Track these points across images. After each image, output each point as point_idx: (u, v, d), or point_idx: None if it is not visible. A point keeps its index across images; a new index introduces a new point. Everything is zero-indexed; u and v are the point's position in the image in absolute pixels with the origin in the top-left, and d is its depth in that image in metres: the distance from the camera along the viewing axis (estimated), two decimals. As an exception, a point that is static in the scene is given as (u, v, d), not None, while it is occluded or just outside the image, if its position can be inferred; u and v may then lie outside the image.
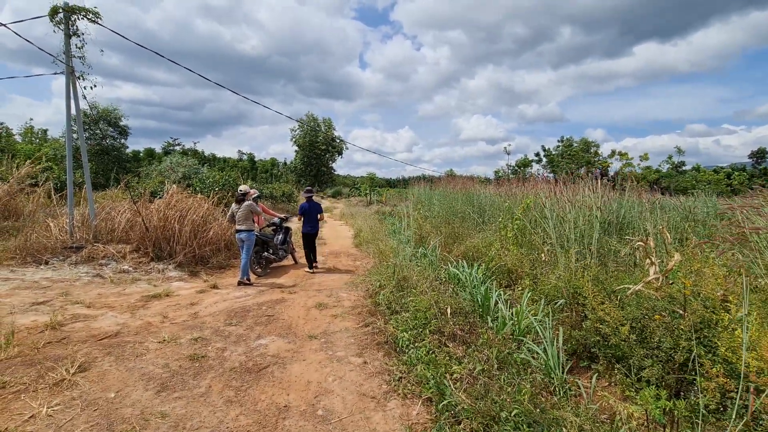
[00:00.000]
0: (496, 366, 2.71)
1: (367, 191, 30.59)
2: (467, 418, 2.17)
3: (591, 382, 2.74)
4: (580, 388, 2.70)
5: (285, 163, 61.26)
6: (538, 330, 3.20)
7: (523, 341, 3.25)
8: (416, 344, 3.25)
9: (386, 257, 6.54)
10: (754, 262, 3.53)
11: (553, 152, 34.23)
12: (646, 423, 2.29)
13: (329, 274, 7.18)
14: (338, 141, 44.02)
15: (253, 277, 6.69)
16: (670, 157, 29.91)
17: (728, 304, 2.55)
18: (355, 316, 4.64)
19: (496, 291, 4.17)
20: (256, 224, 6.70)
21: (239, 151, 74.81)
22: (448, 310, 3.51)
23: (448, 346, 3.05)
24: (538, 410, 2.05)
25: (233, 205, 6.67)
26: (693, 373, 2.45)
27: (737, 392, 2.06)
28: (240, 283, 6.19)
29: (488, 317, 3.72)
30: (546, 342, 3.02)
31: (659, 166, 30.25)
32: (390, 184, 58.20)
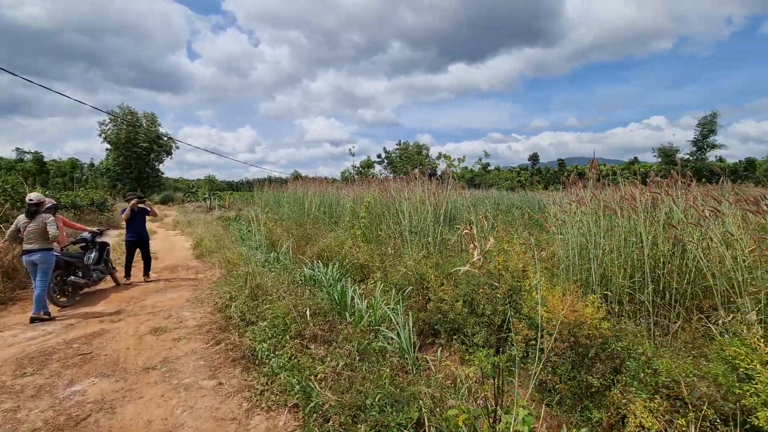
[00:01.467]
0: (357, 358, 2.83)
1: (206, 195, 27.65)
2: (335, 414, 2.21)
3: (437, 355, 3.14)
4: (429, 363, 3.06)
5: (92, 165, 50.07)
6: (392, 317, 3.48)
7: (379, 330, 3.49)
8: (277, 353, 3.11)
9: (235, 266, 6.05)
10: (539, 239, 4.63)
11: (392, 154, 37.61)
12: (480, 379, 2.76)
13: (165, 293, 6.20)
14: (165, 139, 38.36)
15: (54, 309, 5.24)
16: (479, 159, 36.62)
17: (527, 273, 3.28)
18: (203, 335, 4.14)
19: (351, 287, 4.34)
20: (56, 242, 5.24)
21: (18, 149, 57.61)
22: (308, 312, 3.48)
23: (310, 348, 3.03)
24: (398, 390, 2.24)
25: (19, 218, 5.10)
26: (508, 332, 3.07)
27: (537, 339, 2.68)
28: (34, 320, 4.76)
29: (346, 313, 3.85)
30: (399, 327, 3.31)
31: (473, 166, 36.65)
32: (232, 187, 54.03)
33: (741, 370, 1.96)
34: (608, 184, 4.09)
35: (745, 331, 2.32)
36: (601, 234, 3.33)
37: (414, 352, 3.11)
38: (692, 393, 2.12)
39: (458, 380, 2.77)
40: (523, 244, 4.10)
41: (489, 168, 38.38)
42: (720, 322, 2.70)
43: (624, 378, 2.43)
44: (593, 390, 2.48)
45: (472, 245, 4.10)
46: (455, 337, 3.47)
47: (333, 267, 5.06)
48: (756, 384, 1.88)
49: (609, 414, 2.31)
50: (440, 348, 3.34)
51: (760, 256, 2.76)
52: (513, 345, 2.82)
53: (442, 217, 5.26)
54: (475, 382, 2.81)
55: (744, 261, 2.71)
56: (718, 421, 1.99)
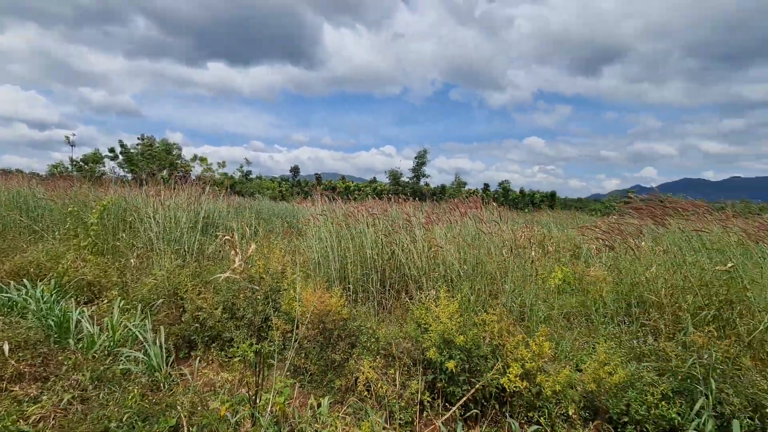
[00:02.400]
0: (91, 387, 2.40)
1: None
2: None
3: (194, 366, 3.03)
4: (186, 375, 2.92)
5: None
6: (138, 335, 3.10)
7: (119, 352, 3.03)
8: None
9: None
10: (297, 245, 5.13)
11: (133, 150, 31.37)
12: (240, 380, 2.88)
13: None
14: None
15: None
16: (241, 167, 35.61)
17: (285, 275, 3.64)
18: None
19: (77, 309, 3.53)
20: None
21: None
22: (6, 347, 2.63)
23: (14, 390, 2.32)
24: (150, 405, 2.08)
25: None
26: (269, 330, 3.31)
27: (293, 331, 3.05)
28: None
29: (70, 340, 3.13)
30: (148, 344, 2.99)
31: (234, 173, 35.25)
32: None
33: (422, 325, 2.92)
34: (355, 198, 5.05)
35: (426, 300, 3.44)
36: (338, 240, 4.10)
37: (167, 367, 2.89)
38: (397, 349, 2.99)
39: (218, 385, 2.79)
40: (283, 249, 4.47)
41: (251, 176, 37.84)
42: (416, 298, 3.88)
43: (357, 350, 3.12)
44: (336, 364, 3.05)
45: (233, 252, 4.14)
46: (214, 344, 3.43)
47: (46, 287, 3.93)
48: (430, 333, 2.87)
49: (347, 380, 2.92)
50: (198, 358, 3.22)
51: (436, 252, 4.15)
52: (272, 341, 3.09)
53: (200, 225, 5.01)
54: (236, 383, 2.90)
55: (425, 255, 4.00)
56: (411, 363, 2.89)
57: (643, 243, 4.52)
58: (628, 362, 2.57)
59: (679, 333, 2.84)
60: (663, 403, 2.22)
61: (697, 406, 2.10)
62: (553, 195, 34.99)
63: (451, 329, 2.73)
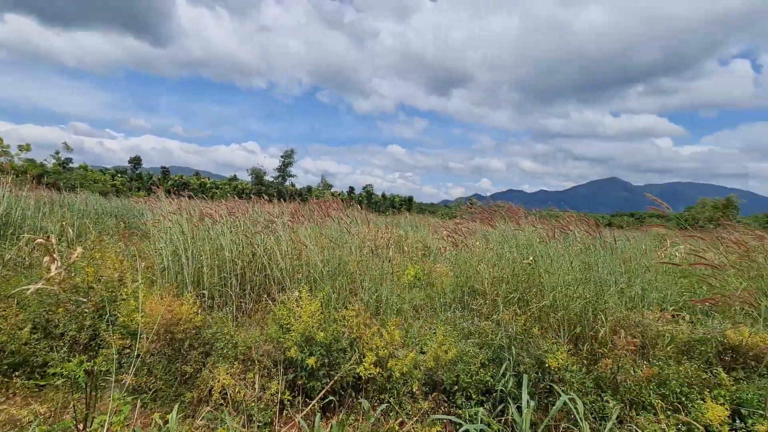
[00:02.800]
0: None
1: None
2: None
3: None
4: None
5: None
6: None
7: None
8: None
9: None
10: (140, 248, 4.49)
11: None
12: (58, 414, 2.40)
13: None
14: None
15: None
16: (57, 153, 28.60)
17: (124, 282, 3.17)
18: None
19: None
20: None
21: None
22: None
23: None
24: None
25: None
26: (100, 348, 2.84)
27: (133, 347, 2.70)
28: None
29: None
30: None
31: (45, 160, 28.08)
32: None
33: (284, 325, 2.95)
34: (212, 197, 4.67)
35: (289, 301, 3.46)
36: (193, 242, 3.80)
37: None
38: (257, 352, 2.94)
39: (25, 421, 2.28)
40: (121, 254, 3.87)
41: (71, 165, 30.82)
42: (279, 299, 3.85)
43: (213, 358, 2.94)
44: (187, 376, 2.82)
45: (48, 257, 3.39)
46: (17, 373, 2.76)
47: None
48: (292, 333, 2.91)
49: (200, 391, 2.73)
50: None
51: (300, 252, 4.20)
52: (107, 359, 2.67)
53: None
54: (55, 413, 2.41)
55: (289, 256, 4.01)
56: (272, 365, 2.88)
57: (477, 242, 5.45)
58: (459, 341, 3.09)
59: (495, 314, 3.56)
60: (481, 370, 2.76)
61: (502, 369, 2.69)
62: (410, 200, 38.57)
63: (313, 327, 2.84)
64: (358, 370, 2.74)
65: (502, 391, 2.64)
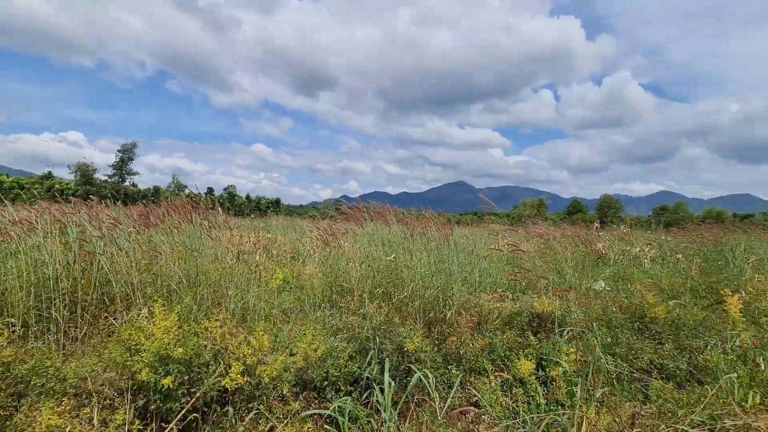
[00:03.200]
0: None
1: None
2: None
3: None
4: None
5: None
6: None
7: None
8: None
9: None
10: None
11: None
12: None
13: None
14: None
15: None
16: None
17: None
18: None
19: None
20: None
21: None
22: None
23: None
24: None
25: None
26: None
27: None
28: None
29: None
30: None
31: None
32: None
33: (132, 347, 2.60)
34: (14, 199, 3.74)
35: (138, 318, 3.05)
36: None
37: None
38: (95, 382, 2.52)
39: None
40: None
41: None
42: (125, 318, 3.33)
43: (30, 399, 2.40)
44: (-10, 427, 2.24)
45: None
46: None
47: None
48: (142, 354, 2.59)
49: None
50: None
51: (151, 261, 3.72)
52: None
53: None
54: None
55: (137, 267, 3.54)
56: (116, 394, 2.51)
57: (346, 242, 5.68)
58: (328, 338, 3.23)
59: (362, 308, 3.81)
60: (349, 362, 2.95)
61: (368, 358, 2.92)
62: (278, 201, 37.32)
63: (169, 343, 2.59)
64: (223, 383, 2.62)
65: (368, 378, 2.87)
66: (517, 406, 2.89)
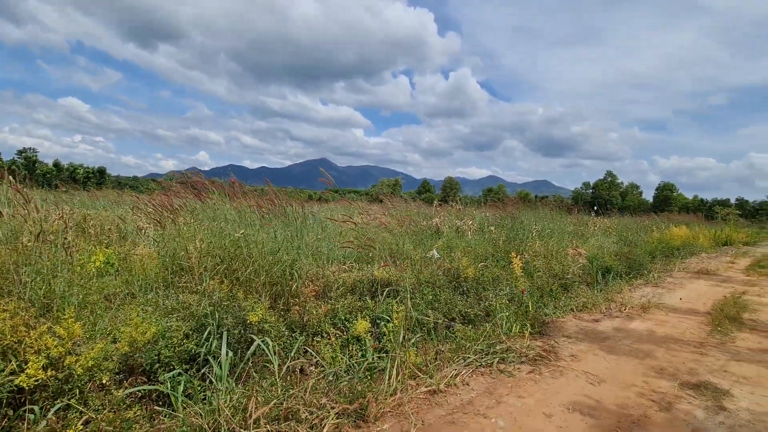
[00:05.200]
0: None
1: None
2: None
3: None
4: None
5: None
6: None
7: None
8: None
9: None
10: None
11: None
12: None
13: None
14: None
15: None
16: None
17: None
18: None
19: None
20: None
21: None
22: None
23: None
24: None
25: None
26: None
27: None
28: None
29: None
30: None
31: None
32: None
33: None
34: None
35: None
36: None
37: None
38: None
39: None
40: None
41: None
42: None
43: None
44: None
45: None
46: None
47: None
48: None
49: None
50: None
51: None
52: None
53: None
54: None
55: None
56: None
57: (181, 219, 5.22)
58: (161, 319, 3.03)
59: (200, 285, 3.67)
60: (185, 340, 2.85)
61: (205, 334, 2.89)
62: (102, 171, 30.96)
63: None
64: (17, 382, 2.24)
65: (207, 353, 2.84)
66: (351, 358, 3.29)
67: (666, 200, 63.66)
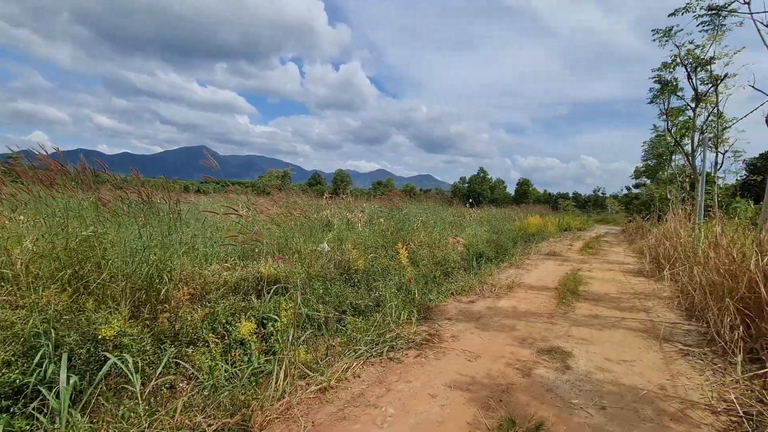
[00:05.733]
0: None
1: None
2: None
3: None
4: None
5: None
6: None
7: None
8: None
9: None
10: None
11: None
12: None
13: None
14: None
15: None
16: None
17: None
18: None
19: None
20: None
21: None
22: None
23: None
24: None
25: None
26: None
27: None
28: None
29: None
30: None
31: None
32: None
33: None
34: None
35: None
36: None
37: None
38: None
39: None
40: None
41: None
42: None
43: None
44: None
45: None
46: None
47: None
48: None
49: None
50: None
51: None
52: None
53: None
54: None
55: None
56: None
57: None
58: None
59: (30, 298, 2.93)
60: (5, 370, 2.23)
61: (37, 357, 2.30)
62: None
63: None
64: None
65: (39, 382, 2.27)
66: (234, 365, 3.01)
67: (524, 194, 74.71)
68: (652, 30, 10.90)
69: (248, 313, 3.75)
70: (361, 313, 4.41)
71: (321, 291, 4.62)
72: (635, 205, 22.86)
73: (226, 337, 3.46)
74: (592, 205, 62.18)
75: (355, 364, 3.07)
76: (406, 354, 3.36)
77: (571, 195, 74.24)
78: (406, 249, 5.81)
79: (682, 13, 9.60)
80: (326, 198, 12.94)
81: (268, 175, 55.46)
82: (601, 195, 65.86)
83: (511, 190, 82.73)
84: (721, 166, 11.37)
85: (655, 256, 8.52)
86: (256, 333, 3.50)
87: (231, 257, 5.63)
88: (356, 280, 5.35)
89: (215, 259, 5.29)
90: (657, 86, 12.55)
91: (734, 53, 9.67)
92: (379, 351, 3.33)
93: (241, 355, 3.26)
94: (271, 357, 3.13)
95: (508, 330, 4.03)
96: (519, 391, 2.73)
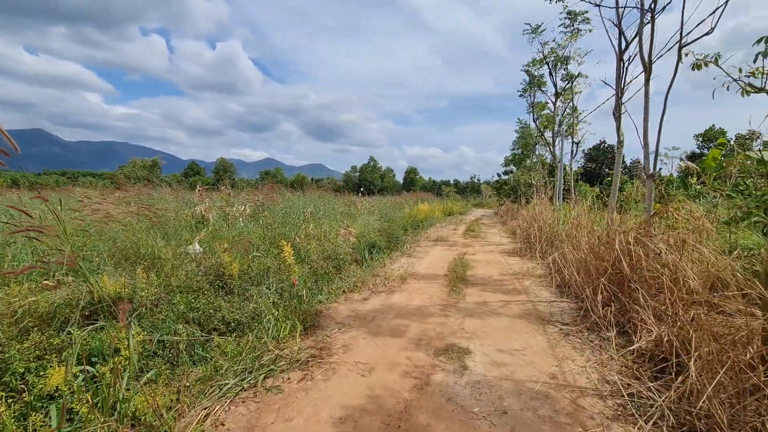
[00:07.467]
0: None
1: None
2: None
3: None
4: None
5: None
6: None
7: None
8: None
9: None
10: None
11: None
12: None
13: None
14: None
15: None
16: None
17: None
18: None
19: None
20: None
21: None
22: None
23: None
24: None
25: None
26: None
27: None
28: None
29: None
30: None
31: None
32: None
33: None
34: None
35: None
36: None
37: None
38: None
39: None
40: None
41: None
42: None
43: None
44: None
45: None
46: None
47: None
48: None
49: None
50: None
51: None
52: None
53: None
54: None
55: None
56: None
57: None
58: None
59: None
60: None
61: None
62: None
63: None
64: None
65: None
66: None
67: (412, 182, 78.86)
68: (525, 23, 12.07)
69: (65, 353, 2.71)
70: (234, 329, 3.64)
71: (183, 307, 3.71)
72: (505, 190, 25.70)
73: (28, 393, 2.42)
74: (469, 190, 68.79)
75: (218, 406, 2.36)
76: (288, 379, 2.76)
77: (452, 182, 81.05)
78: (291, 246, 5.14)
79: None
80: (199, 190, 11.27)
81: (132, 164, 47.26)
82: (476, 181, 73.32)
83: (399, 178, 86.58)
84: (575, 155, 13.27)
85: (526, 236, 9.42)
86: (82, 375, 2.54)
87: (54, 272, 4.23)
88: (231, 288, 4.51)
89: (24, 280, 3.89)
90: (528, 78, 14.08)
91: (585, 54, 11.29)
92: (253, 380, 2.67)
93: (46, 420, 2.28)
94: (96, 415, 2.23)
95: (403, 331, 3.74)
96: (418, 410, 2.39)
